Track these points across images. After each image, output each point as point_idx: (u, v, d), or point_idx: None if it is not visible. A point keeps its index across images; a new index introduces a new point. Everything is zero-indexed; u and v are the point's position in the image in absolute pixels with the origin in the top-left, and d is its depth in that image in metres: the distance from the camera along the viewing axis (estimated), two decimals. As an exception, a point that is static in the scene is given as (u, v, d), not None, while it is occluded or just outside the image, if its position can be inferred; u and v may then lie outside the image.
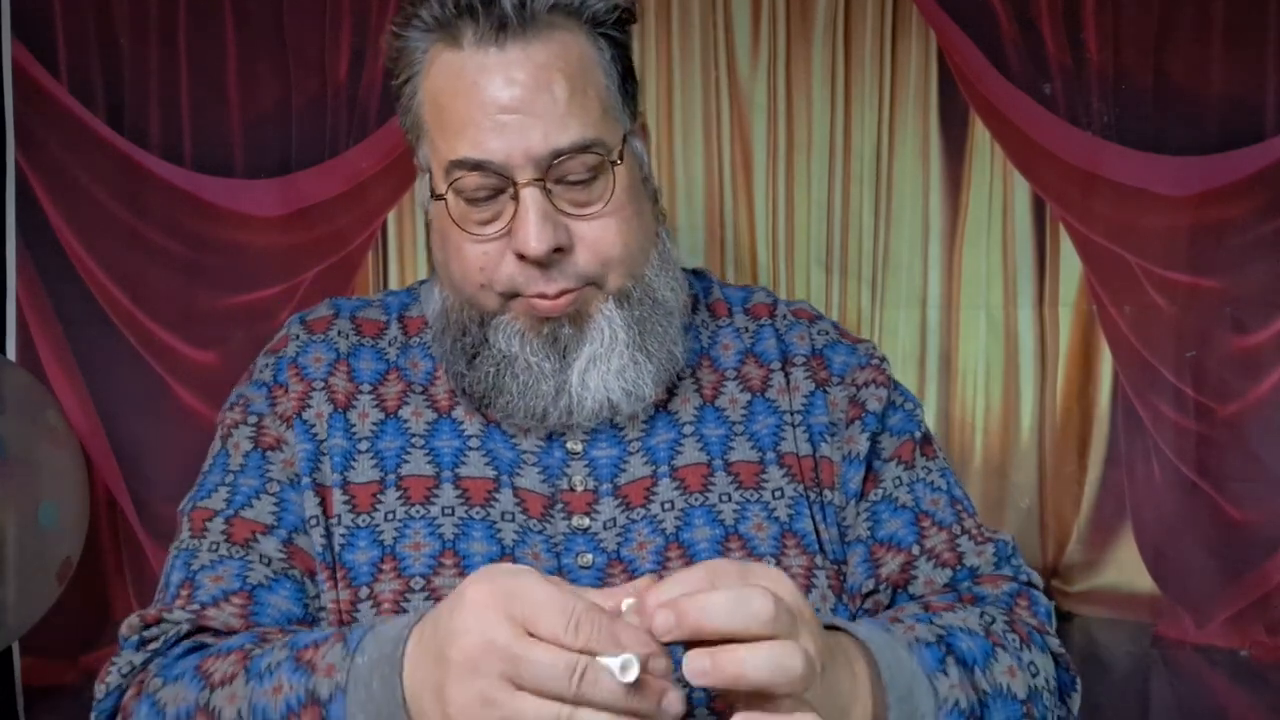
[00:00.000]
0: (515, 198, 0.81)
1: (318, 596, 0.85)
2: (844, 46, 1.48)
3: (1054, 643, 0.86)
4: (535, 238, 0.80)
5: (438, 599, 0.78)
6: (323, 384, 0.90)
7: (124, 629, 0.83)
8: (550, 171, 0.81)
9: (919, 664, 0.72)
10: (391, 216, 1.56)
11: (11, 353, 1.60)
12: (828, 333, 0.98)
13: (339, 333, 0.94)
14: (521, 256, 0.82)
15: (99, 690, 0.81)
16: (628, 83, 0.88)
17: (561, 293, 0.84)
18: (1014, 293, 1.47)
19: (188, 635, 0.81)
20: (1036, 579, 0.91)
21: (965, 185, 1.47)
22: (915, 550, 0.88)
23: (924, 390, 1.48)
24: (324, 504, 0.86)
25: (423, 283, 1.01)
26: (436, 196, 0.85)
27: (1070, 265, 1.45)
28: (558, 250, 0.82)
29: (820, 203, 1.49)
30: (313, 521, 0.86)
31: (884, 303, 1.49)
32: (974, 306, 1.47)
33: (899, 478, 0.91)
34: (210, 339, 1.58)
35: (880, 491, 0.91)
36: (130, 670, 0.80)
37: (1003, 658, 0.78)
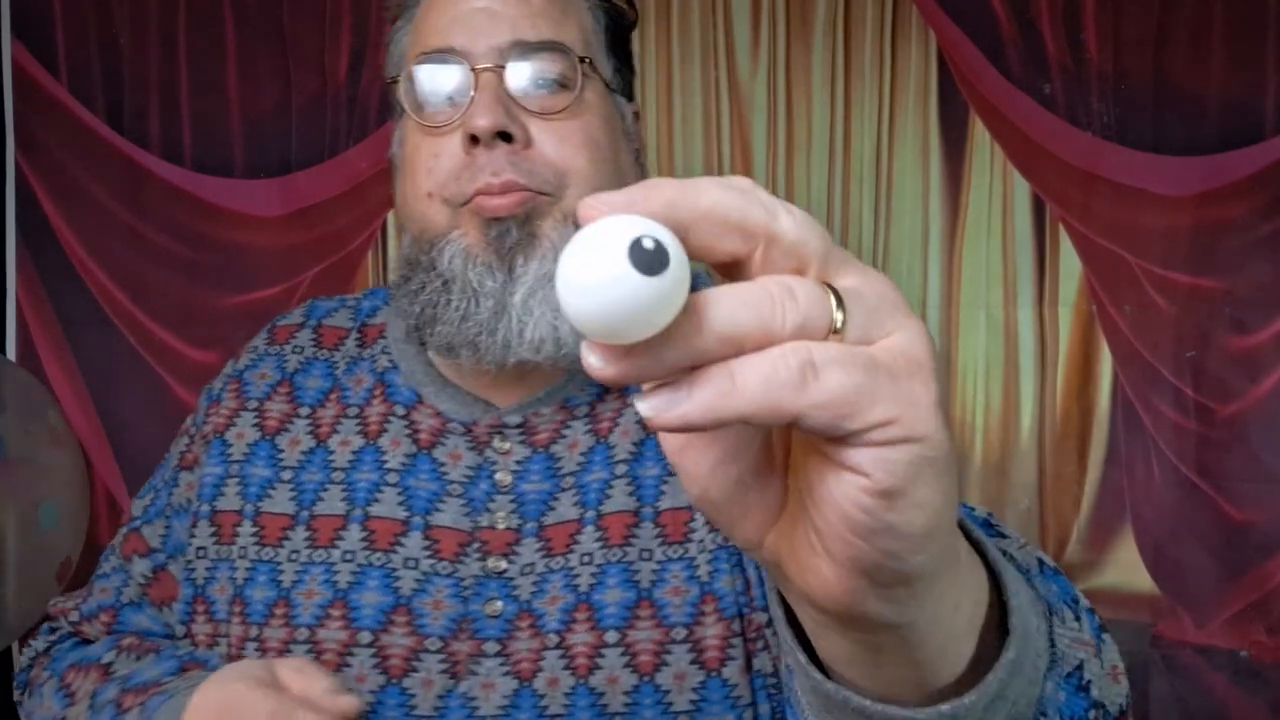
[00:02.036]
0: (474, 87, 0.76)
1: (170, 625, 0.85)
2: (844, 46, 1.48)
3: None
4: (483, 113, 0.74)
5: (320, 652, 0.77)
6: (256, 405, 0.86)
7: (47, 608, 0.93)
8: (513, 65, 0.76)
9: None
10: (391, 216, 1.56)
11: (11, 353, 1.60)
12: None
13: (294, 348, 0.89)
14: (473, 141, 0.75)
15: (21, 662, 0.94)
16: (616, 50, 0.84)
17: (508, 185, 0.75)
18: (1014, 293, 1.47)
19: (71, 633, 0.90)
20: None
21: (965, 185, 1.47)
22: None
23: (924, 390, 1.48)
24: (219, 532, 0.82)
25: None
26: (391, 80, 0.80)
27: (1070, 265, 1.45)
28: (509, 140, 0.75)
29: (820, 203, 1.49)
30: (200, 553, 0.82)
31: (884, 303, 1.49)
32: (974, 306, 1.47)
33: None
34: (210, 339, 1.58)
35: None
36: (35, 655, 0.91)
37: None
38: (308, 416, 0.85)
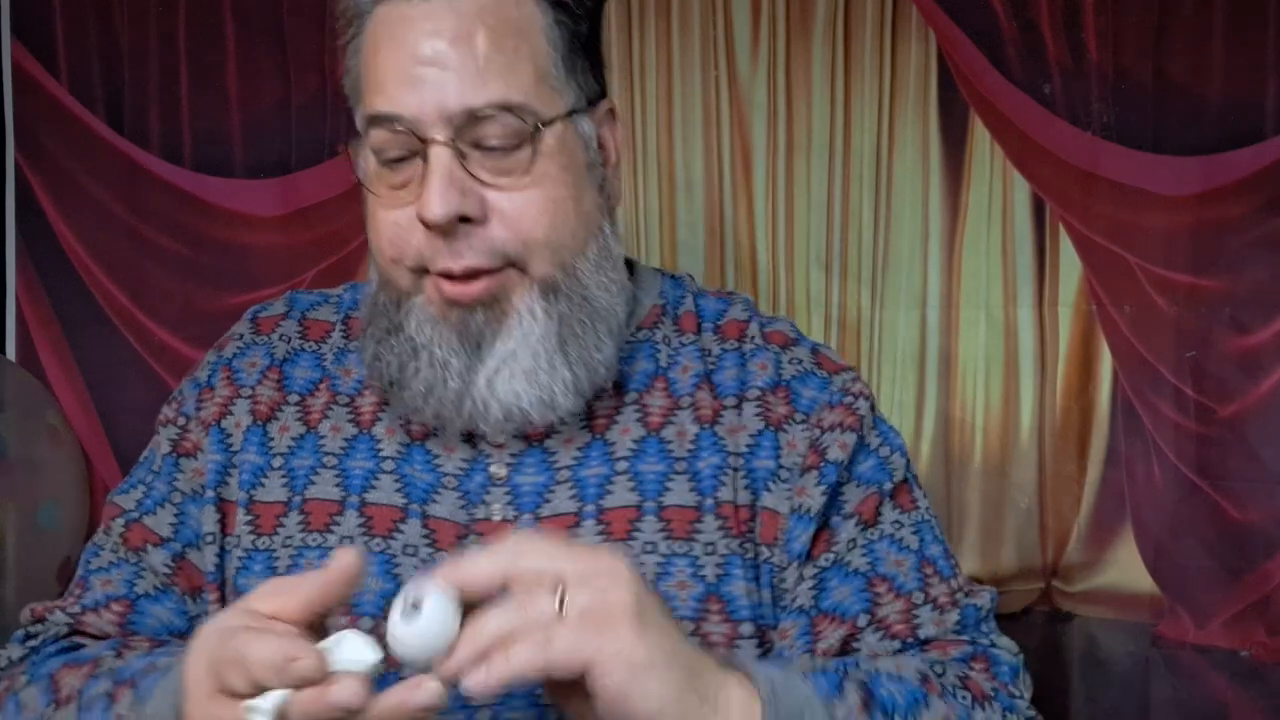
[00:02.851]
0: (425, 159, 0.74)
1: (200, 615, 0.82)
2: (844, 46, 1.48)
3: (1022, 705, 0.78)
4: (436, 201, 0.72)
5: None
6: (249, 392, 0.85)
7: (20, 616, 0.85)
8: (464, 132, 0.74)
9: (814, 689, 0.66)
10: (391, 216, 1.56)
11: (11, 353, 1.60)
12: (800, 361, 0.87)
13: (281, 336, 0.89)
14: (425, 224, 0.74)
15: None
16: (579, 57, 0.80)
17: (470, 272, 0.75)
18: (1014, 293, 1.46)
19: (66, 635, 0.82)
20: (1004, 643, 0.81)
21: (965, 185, 1.47)
22: (862, 621, 0.79)
23: (924, 390, 1.48)
24: (224, 521, 0.82)
25: None
26: (348, 148, 0.80)
27: (1070, 265, 1.45)
28: (466, 220, 0.74)
29: (820, 203, 1.49)
30: (209, 539, 0.82)
31: (884, 303, 1.49)
32: (974, 306, 1.47)
33: (854, 540, 0.81)
34: (210, 339, 1.55)
35: (831, 556, 0.80)
36: (8, 664, 0.82)
37: (937, 706, 0.71)
38: (297, 404, 0.85)
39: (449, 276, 0.76)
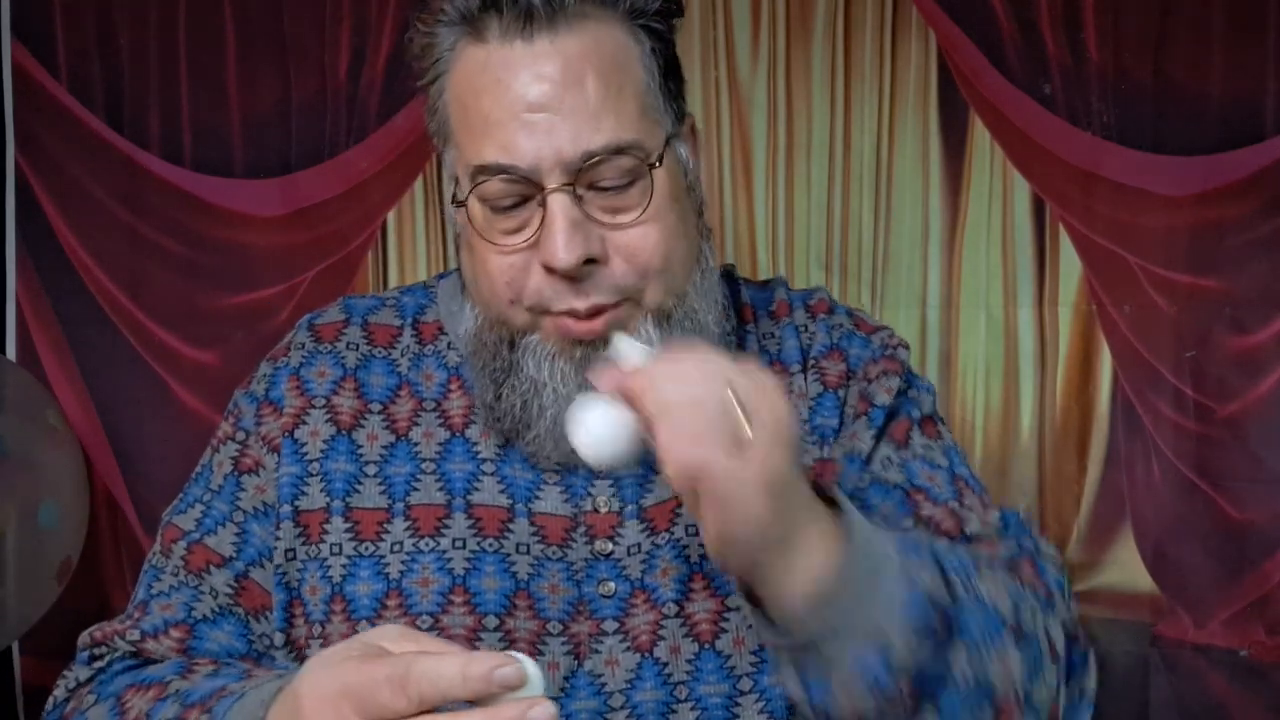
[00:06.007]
0: (543, 205, 0.74)
1: (264, 635, 0.82)
2: (844, 46, 1.48)
3: (1062, 610, 0.78)
4: (563, 248, 0.73)
5: (448, 638, 0.76)
6: (324, 402, 0.85)
7: (79, 641, 0.85)
8: (581, 176, 0.74)
9: (895, 545, 0.69)
10: (391, 216, 1.56)
11: (11, 353, 1.60)
12: (842, 326, 0.92)
13: (348, 344, 0.88)
14: (550, 269, 0.75)
15: (49, 703, 0.83)
16: (670, 80, 0.81)
17: (594, 310, 0.76)
18: (1014, 293, 1.46)
19: (131, 654, 0.82)
20: (1048, 549, 0.84)
21: (965, 185, 1.47)
22: (907, 524, 0.82)
23: (924, 390, 1.48)
24: (306, 531, 0.81)
25: (441, 277, 0.95)
26: (458, 203, 0.79)
27: (1070, 265, 1.45)
28: (589, 262, 0.75)
29: (820, 203, 1.49)
30: (289, 554, 0.81)
31: (884, 303, 1.49)
32: (974, 306, 1.47)
33: (888, 458, 0.85)
34: (210, 339, 1.58)
35: (868, 477, 0.85)
36: (76, 685, 0.83)
37: (988, 575, 0.72)
38: (381, 412, 0.85)
39: (573, 315, 0.77)
